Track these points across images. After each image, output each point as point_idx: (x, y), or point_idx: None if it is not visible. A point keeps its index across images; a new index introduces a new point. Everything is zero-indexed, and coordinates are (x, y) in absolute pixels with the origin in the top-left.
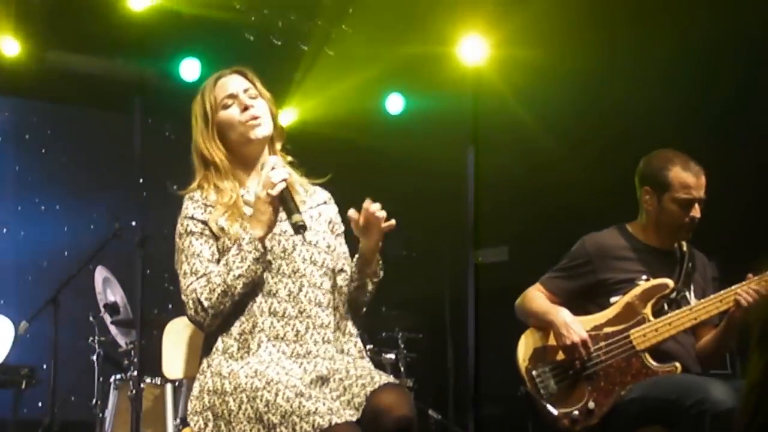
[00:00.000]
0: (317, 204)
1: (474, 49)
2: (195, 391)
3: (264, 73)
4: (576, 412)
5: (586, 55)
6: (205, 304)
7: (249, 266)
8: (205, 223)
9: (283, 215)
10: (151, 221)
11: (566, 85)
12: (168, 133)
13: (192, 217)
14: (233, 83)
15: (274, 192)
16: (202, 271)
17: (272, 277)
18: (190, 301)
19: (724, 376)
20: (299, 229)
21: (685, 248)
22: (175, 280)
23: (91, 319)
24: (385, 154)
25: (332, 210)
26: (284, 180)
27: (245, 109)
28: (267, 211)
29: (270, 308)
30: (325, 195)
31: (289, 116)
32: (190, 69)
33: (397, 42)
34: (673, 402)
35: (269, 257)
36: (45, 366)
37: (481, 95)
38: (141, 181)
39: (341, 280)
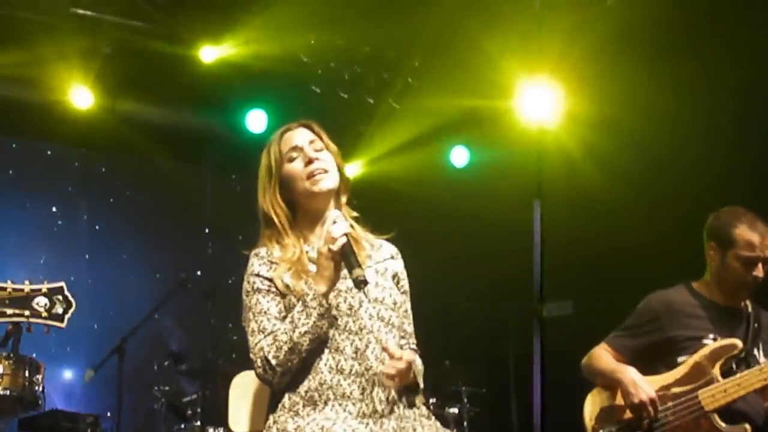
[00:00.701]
0: (384, 259)
1: (539, 103)
2: None
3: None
4: None
5: (654, 111)
6: (273, 362)
7: (314, 322)
8: (270, 280)
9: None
10: (217, 272)
11: (633, 141)
12: (234, 185)
13: (258, 275)
14: (299, 136)
15: (335, 246)
16: (269, 329)
17: (339, 335)
18: (259, 360)
19: None
20: (360, 284)
21: (750, 307)
22: (239, 330)
23: (155, 368)
24: (451, 208)
25: (399, 265)
26: (345, 234)
27: (309, 162)
28: (329, 266)
29: (337, 365)
30: (392, 250)
31: (355, 169)
32: (256, 121)
33: (462, 95)
34: None
35: (335, 314)
36: (109, 414)
37: (547, 149)
38: (207, 231)
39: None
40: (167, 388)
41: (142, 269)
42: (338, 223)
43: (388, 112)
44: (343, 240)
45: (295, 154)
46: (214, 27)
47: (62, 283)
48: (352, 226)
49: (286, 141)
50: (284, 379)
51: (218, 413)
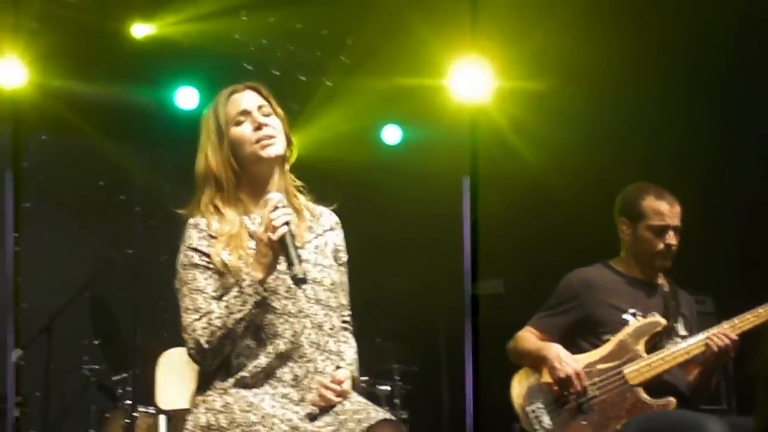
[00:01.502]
0: (324, 231)
1: (471, 80)
2: (189, 425)
3: None
4: None
5: (587, 86)
6: (206, 346)
7: (250, 310)
8: (209, 256)
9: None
10: (147, 251)
11: (564, 118)
12: (165, 162)
13: (196, 249)
14: (247, 99)
15: (275, 236)
16: (204, 309)
17: (276, 318)
18: (191, 341)
19: (719, 412)
20: (299, 282)
21: (667, 285)
22: (169, 310)
23: (84, 347)
24: (382, 185)
25: (339, 237)
26: (286, 223)
27: (258, 127)
28: (268, 254)
29: (275, 350)
30: (332, 220)
31: None
32: (187, 98)
33: (394, 73)
34: None
35: (273, 297)
36: (38, 394)
37: (479, 127)
38: (137, 209)
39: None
40: (97, 367)
41: (72, 248)
42: (279, 209)
43: (320, 90)
44: (284, 229)
45: (242, 118)
46: (145, 2)
47: None
48: (295, 195)
49: (234, 103)
50: (215, 362)
51: (148, 392)
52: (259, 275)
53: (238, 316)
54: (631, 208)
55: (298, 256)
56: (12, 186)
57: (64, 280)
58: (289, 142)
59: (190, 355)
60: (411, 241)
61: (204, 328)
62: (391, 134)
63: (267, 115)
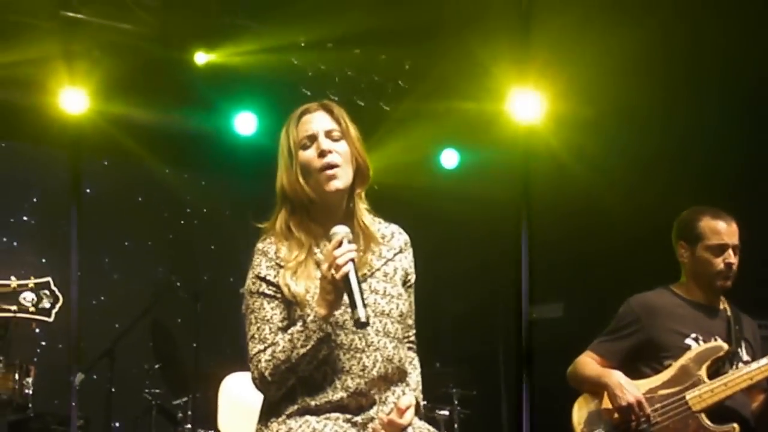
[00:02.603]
0: (393, 255)
1: (526, 105)
2: None
3: None
4: None
5: (640, 110)
6: (269, 378)
7: (313, 346)
8: (277, 286)
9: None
10: (207, 274)
11: (620, 142)
12: (224, 187)
13: (264, 279)
14: (317, 122)
15: (339, 276)
16: (270, 341)
17: (343, 354)
18: (256, 372)
19: None
20: (360, 325)
21: (729, 309)
22: (229, 332)
23: (146, 371)
24: (441, 210)
25: (408, 258)
26: (351, 260)
27: (322, 154)
28: (332, 291)
29: (343, 385)
30: (401, 240)
31: None
32: (246, 124)
33: (451, 97)
34: None
35: (341, 335)
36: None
37: (534, 150)
38: (199, 234)
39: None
40: (158, 391)
41: (133, 272)
42: (344, 246)
43: (378, 115)
44: (348, 268)
45: (308, 143)
46: (204, 29)
47: (48, 278)
48: (355, 249)
49: (303, 125)
50: (279, 393)
51: (209, 416)
52: (323, 312)
53: (302, 351)
54: (689, 231)
55: (362, 298)
56: (75, 212)
57: (125, 304)
58: (360, 167)
59: (254, 384)
60: (470, 265)
61: (268, 360)
62: (449, 158)
63: (336, 140)
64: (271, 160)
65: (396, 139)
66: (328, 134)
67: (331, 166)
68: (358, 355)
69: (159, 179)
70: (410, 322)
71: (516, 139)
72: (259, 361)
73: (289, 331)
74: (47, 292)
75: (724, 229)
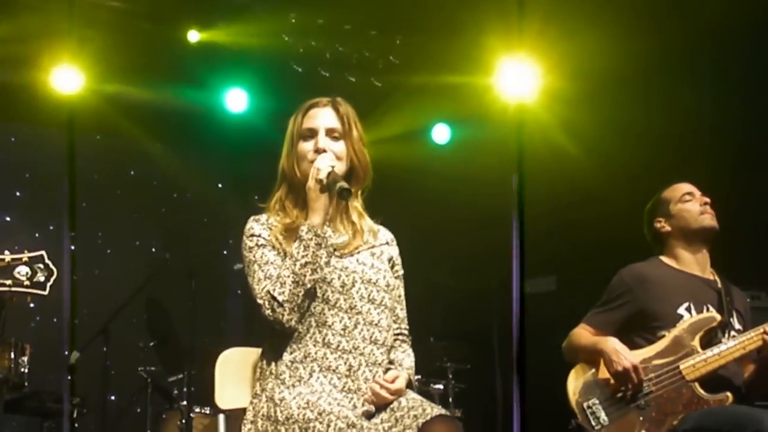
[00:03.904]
0: (380, 244)
1: (518, 80)
2: (249, 415)
3: None
4: None
5: (632, 86)
6: (280, 298)
7: (313, 252)
8: (271, 241)
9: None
10: (200, 250)
11: (613, 116)
12: (215, 163)
13: (260, 235)
14: (321, 118)
15: (321, 176)
16: (275, 275)
17: (328, 309)
18: (266, 302)
19: None
20: (344, 192)
21: (720, 281)
22: (223, 309)
23: (141, 348)
24: (433, 185)
25: (395, 251)
26: (331, 167)
27: (317, 151)
28: (319, 197)
29: (324, 339)
30: (388, 236)
31: None
32: (236, 100)
33: (443, 72)
34: None
35: (328, 291)
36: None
37: (526, 125)
38: (190, 210)
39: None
40: (153, 368)
41: (127, 249)
42: (322, 159)
43: (370, 91)
44: (328, 169)
45: (309, 135)
46: (196, 7)
47: (43, 252)
48: (332, 166)
49: (308, 118)
50: (294, 316)
51: (204, 393)
52: (316, 219)
53: (303, 261)
54: (657, 205)
55: (343, 180)
56: (68, 188)
57: (119, 281)
58: (356, 168)
59: (268, 318)
60: (462, 239)
61: (274, 283)
62: (441, 134)
63: (335, 139)
64: (262, 137)
65: (387, 115)
66: (329, 132)
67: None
68: (341, 314)
69: (151, 155)
70: (401, 314)
71: (508, 113)
72: (267, 290)
73: (289, 253)
74: (41, 265)
75: (689, 188)
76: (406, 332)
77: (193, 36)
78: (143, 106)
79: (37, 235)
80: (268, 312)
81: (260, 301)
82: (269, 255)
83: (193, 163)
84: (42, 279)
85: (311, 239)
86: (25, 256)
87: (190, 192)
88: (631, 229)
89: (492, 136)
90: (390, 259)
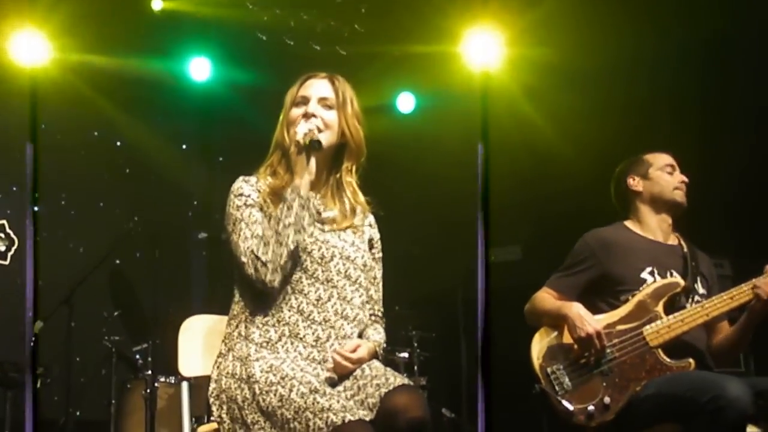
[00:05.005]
0: (362, 224)
1: (483, 48)
2: (214, 374)
3: (276, 72)
4: (592, 408)
5: (597, 54)
6: (263, 258)
7: (296, 213)
8: (258, 202)
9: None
10: (165, 221)
11: (577, 85)
12: (179, 132)
13: (249, 195)
14: (315, 87)
15: (298, 137)
16: (260, 233)
17: (306, 278)
18: (249, 260)
19: (737, 374)
20: (315, 143)
21: (685, 246)
22: (188, 277)
23: (105, 318)
24: (398, 154)
25: (375, 233)
26: (310, 130)
27: (306, 115)
28: (300, 159)
29: (298, 306)
30: (371, 218)
31: None
32: (200, 69)
33: (408, 41)
34: (689, 399)
35: (307, 261)
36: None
37: (491, 94)
38: (153, 178)
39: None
40: (117, 338)
41: (91, 219)
42: (303, 124)
43: (335, 60)
44: (305, 131)
45: (302, 103)
46: None
47: (4, 221)
48: (311, 129)
49: (304, 87)
50: (276, 277)
51: (169, 362)
52: (298, 181)
53: (287, 221)
54: (636, 164)
55: (318, 137)
56: (31, 158)
57: (83, 250)
58: (349, 142)
59: (251, 277)
60: (428, 208)
61: (258, 243)
62: (406, 103)
63: (328, 108)
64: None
65: (352, 84)
66: (321, 101)
67: (311, 129)
68: (317, 284)
69: (114, 124)
70: (375, 295)
71: (473, 82)
72: (251, 250)
73: (275, 216)
74: (2, 235)
75: (669, 157)
76: (380, 314)
77: (157, 4)
78: (106, 75)
79: None
80: (251, 271)
81: (244, 259)
82: (256, 215)
83: (158, 130)
84: (2, 249)
85: (294, 200)
86: None
87: (154, 154)
88: (595, 198)
89: (457, 106)
90: (370, 240)
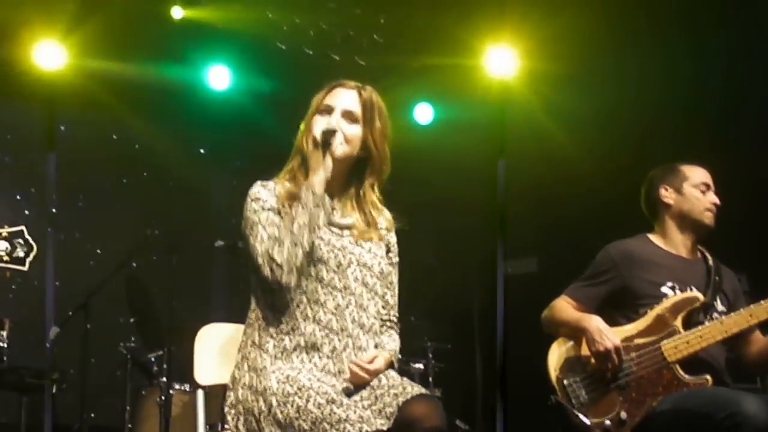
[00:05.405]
0: (380, 229)
1: (501, 61)
2: (231, 383)
3: (295, 82)
4: (608, 422)
5: (613, 67)
6: (278, 259)
7: (311, 211)
8: (275, 207)
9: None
10: (182, 227)
11: (594, 96)
12: (196, 141)
13: (266, 200)
14: (342, 98)
15: (316, 133)
16: (275, 236)
17: (322, 288)
18: (265, 262)
19: (753, 390)
20: (328, 134)
21: (710, 260)
22: (204, 285)
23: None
24: (415, 165)
25: (392, 238)
26: (328, 128)
27: (329, 127)
28: (316, 154)
29: (315, 316)
30: (388, 222)
31: None
32: (219, 77)
33: (426, 52)
34: (705, 415)
35: (323, 270)
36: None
37: (509, 106)
38: (171, 185)
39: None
40: (133, 344)
41: (109, 226)
42: (319, 124)
43: (353, 70)
44: (324, 128)
45: (327, 112)
46: None
47: (22, 227)
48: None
49: (330, 95)
50: (292, 278)
51: (184, 370)
52: (313, 177)
53: (301, 221)
54: (671, 174)
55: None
56: (54, 166)
57: (100, 257)
58: (373, 158)
59: (267, 278)
60: (445, 219)
61: (273, 244)
62: (424, 114)
63: (352, 122)
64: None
65: None
66: (346, 114)
67: (333, 138)
68: (334, 292)
69: (133, 132)
70: (391, 300)
71: (491, 94)
72: (268, 251)
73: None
74: (21, 241)
75: (707, 175)
76: (394, 319)
77: (177, 12)
78: (126, 82)
79: (18, 197)
80: (266, 272)
81: (260, 261)
82: (273, 218)
83: (176, 136)
84: (21, 255)
85: (309, 199)
86: (4, 231)
87: (172, 159)
88: (613, 211)
89: (475, 117)
90: (387, 244)
